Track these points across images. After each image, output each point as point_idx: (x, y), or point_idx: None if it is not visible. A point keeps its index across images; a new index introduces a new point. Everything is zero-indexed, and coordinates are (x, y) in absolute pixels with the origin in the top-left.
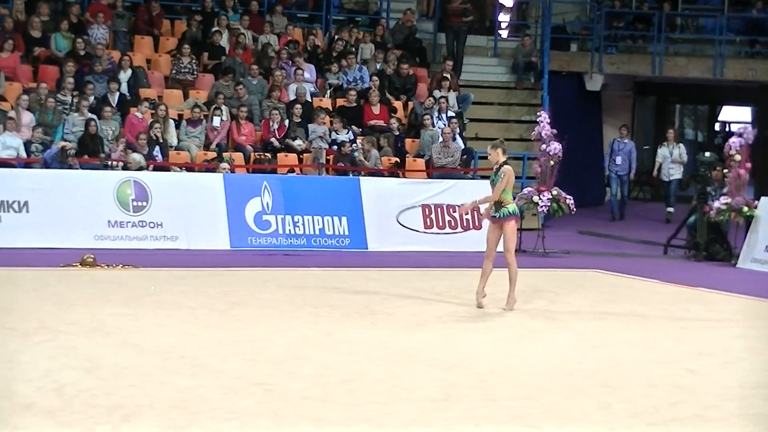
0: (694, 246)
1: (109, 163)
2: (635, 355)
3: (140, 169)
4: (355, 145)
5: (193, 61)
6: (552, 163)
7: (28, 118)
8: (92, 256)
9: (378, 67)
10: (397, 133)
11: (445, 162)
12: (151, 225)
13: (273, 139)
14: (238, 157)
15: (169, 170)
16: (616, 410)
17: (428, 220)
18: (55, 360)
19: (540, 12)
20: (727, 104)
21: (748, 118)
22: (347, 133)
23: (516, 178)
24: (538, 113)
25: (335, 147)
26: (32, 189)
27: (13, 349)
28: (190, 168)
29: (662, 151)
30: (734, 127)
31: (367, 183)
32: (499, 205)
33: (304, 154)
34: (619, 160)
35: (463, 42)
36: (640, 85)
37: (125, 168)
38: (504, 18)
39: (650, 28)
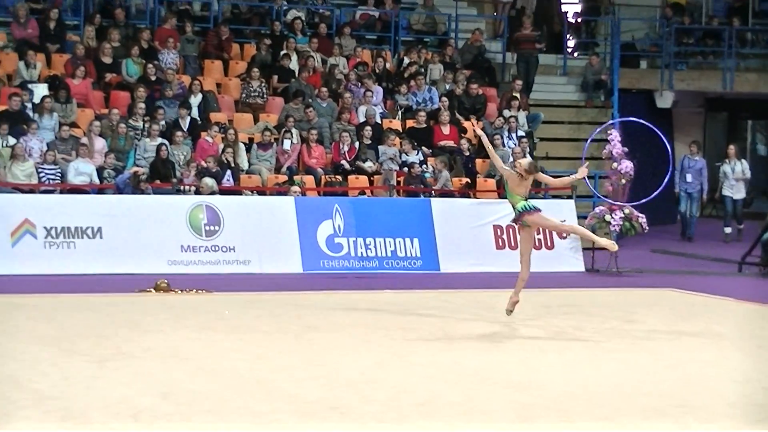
0: (766, 263)
1: (181, 187)
2: (712, 375)
3: (212, 193)
4: (425, 166)
5: (263, 84)
6: (623, 181)
7: (100, 144)
8: (166, 281)
9: (447, 87)
10: (468, 153)
11: None
12: (224, 249)
13: (343, 162)
14: (309, 180)
15: (240, 194)
16: (695, 431)
17: (500, 240)
18: (131, 386)
19: (608, 29)
20: None
21: None
22: (417, 154)
23: (587, 197)
24: (609, 131)
25: (405, 168)
26: (105, 215)
27: (89, 375)
28: (261, 192)
29: (724, 168)
30: None
31: (438, 204)
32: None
33: (375, 176)
34: (689, 177)
35: (534, 69)
36: (711, 101)
37: (197, 192)
38: (572, 36)
39: (720, 44)
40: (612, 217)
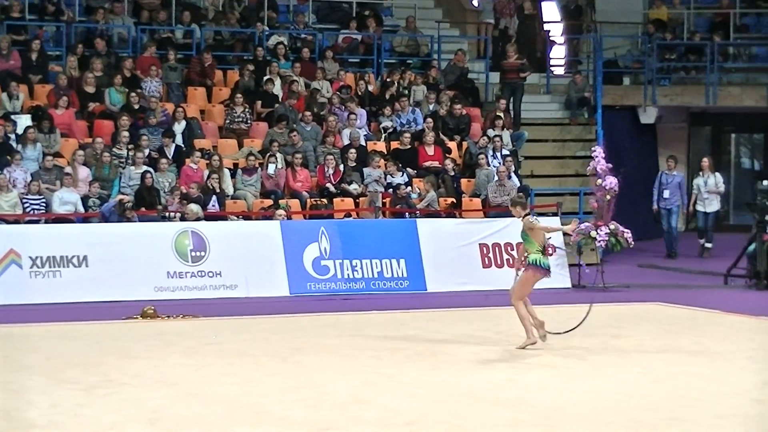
0: (755, 275)
1: (167, 214)
2: (701, 387)
3: (197, 219)
4: (410, 187)
5: (247, 110)
6: (609, 197)
7: (84, 173)
8: (152, 307)
9: (431, 108)
10: (453, 173)
11: (502, 200)
12: (210, 274)
13: (329, 185)
14: (295, 204)
15: (226, 219)
16: None
17: (486, 258)
18: (119, 413)
19: (591, 47)
20: None
21: None
22: (402, 175)
23: (572, 213)
24: (592, 148)
25: (390, 190)
26: (91, 243)
27: (77, 403)
28: (247, 216)
29: (697, 182)
30: None
31: (423, 224)
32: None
33: (360, 198)
34: (667, 193)
35: (520, 97)
36: (695, 116)
37: (183, 219)
38: (556, 54)
39: (702, 59)
40: (598, 233)
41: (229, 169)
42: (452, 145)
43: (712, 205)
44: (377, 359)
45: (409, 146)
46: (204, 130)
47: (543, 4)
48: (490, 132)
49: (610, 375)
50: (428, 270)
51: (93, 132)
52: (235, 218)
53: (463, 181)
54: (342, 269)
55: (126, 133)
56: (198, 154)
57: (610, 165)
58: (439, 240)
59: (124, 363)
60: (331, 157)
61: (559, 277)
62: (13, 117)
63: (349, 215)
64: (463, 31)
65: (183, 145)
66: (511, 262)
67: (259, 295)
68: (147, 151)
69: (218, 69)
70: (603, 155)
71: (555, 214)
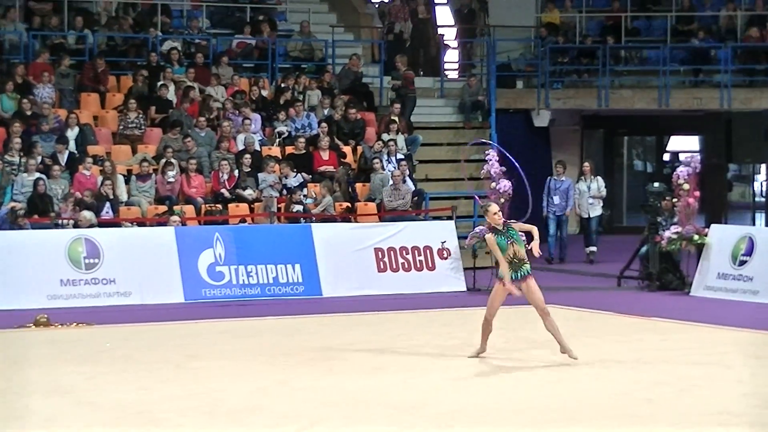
0: (647, 276)
1: (60, 221)
2: (594, 388)
3: (91, 226)
4: (306, 191)
5: (141, 115)
6: (502, 200)
7: None
8: (45, 316)
9: (326, 113)
10: (347, 177)
11: (396, 204)
12: (104, 282)
13: (223, 190)
14: (189, 210)
15: (120, 226)
16: None
17: (381, 263)
18: (9, 422)
19: (485, 51)
20: (675, 134)
21: (696, 147)
22: (295, 176)
23: (467, 216)
24: (486, 152)
25: (286, 192)
26: None
27: None
28: (141, 223)
29: (579, 186)
30: (682, 157)
31: (319, 229)
32: (521, 262)
33: (255, 204)
34: (556, 199)
35: (411, 107)
36: (588, 118)
37: (76, 226)
38: (449, 58)
39: (595, 62)
40: None
41: (123, 175)
42: (347, 149)
43: (595, 209)
44: (272, 365)
45: (304, 151)
46: (97, 137)
47: (437, 8)
48: (385, 136)
49: (505, 377)
50: (323, 275)
51: None
52: (130, 225)
53: (358, 185)
54: (237, 275)
55: (18, 140)
56: (90, 160)
57: (503, 168)
58: (334, 245)
59: (15, 372)
60: (226, 162)
61: (454, 281)
62: None
63: (244, 221)
64: (357, 36)
65: (76, 152)
66: (406, 266)
67: (154, 301)
68: (39, 158)
69: (111, 75)
70: (497, 159)
71: (450, 218)
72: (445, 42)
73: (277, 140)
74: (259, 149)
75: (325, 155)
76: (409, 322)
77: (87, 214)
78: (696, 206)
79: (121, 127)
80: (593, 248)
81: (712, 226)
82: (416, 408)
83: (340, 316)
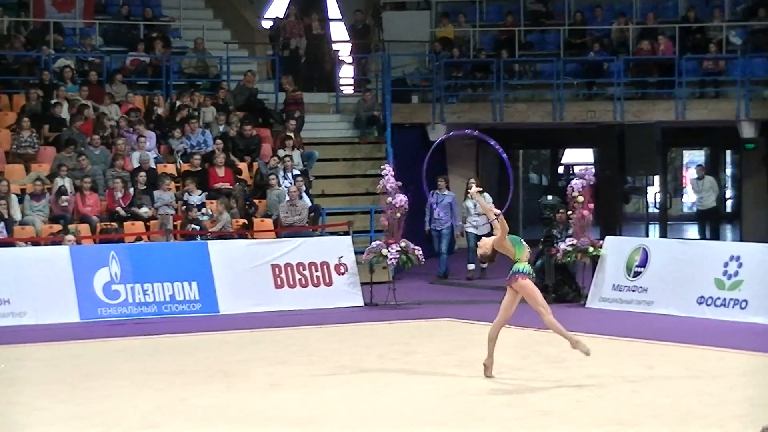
0: (543, 288)
1: None
2: (490, 401)
3: None
4: (204, 209)
5: (34, 134)
6: (399, 215)
7: None
8: None
9: (221, 129)
10: (244, 193)
11: (293, 220)
12: None
13: (119, 208)
14: (84, 228)
15: (13, 245)
16: None
17: (278, 279)
18: None
19: (380, 66)
20: (569, 147)
21: (590, 159)
22: (201, 194)
23: (364, 232)
24: (382, 167)
25: (184, 209)
26: None
27: None
28: (35, 242)
29: (467, 203)
30: (576, 169)
31: (215, 246)
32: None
33: (151, 222)
34: (439, 214)
35: (299, 127)
36: (483, 132)
37: None
38: (344, 74)
39: (489, 76)
40: (389, 251)
41: (17, 194)
42: (243, 166)
43: (482, 227)
44: (169, 383)
45: (200, 168)
46: None
47: (331, 24)
48: (281, 152)
49: (401, 392)
50: (220, 292)
51: None
52: (24, 244)
53: (254, 201)
54: (133, 293)
55: None
56: None
57: (399, 183)
58: (230, 261)
59: None
60: (120, 180)
61: (351, 296)
62: None
63: (140, 239)
64: (252, 52)
65: None
66: (304, 281)
67: (49, 321)
68: None
69: (4, 93)
70: (392, 173)
71: (346, 233)
72: (340, 58)
73: (178, 157)
74: (155, 167)
75: (221, 172)
76: (307, 337)
77: None
78: (590, 218)
79: (15, 146)
80: (472, 266)
81: (607, 237)
82: (315, 423)
83: (238, 333)
